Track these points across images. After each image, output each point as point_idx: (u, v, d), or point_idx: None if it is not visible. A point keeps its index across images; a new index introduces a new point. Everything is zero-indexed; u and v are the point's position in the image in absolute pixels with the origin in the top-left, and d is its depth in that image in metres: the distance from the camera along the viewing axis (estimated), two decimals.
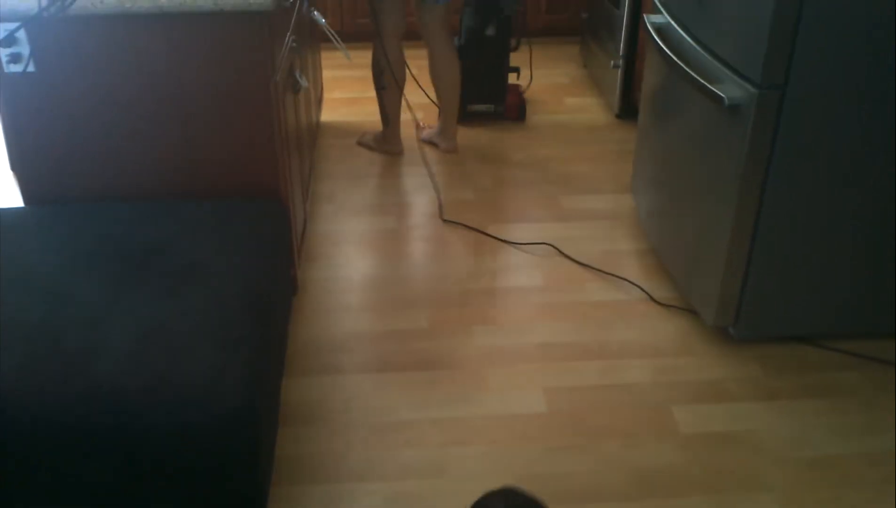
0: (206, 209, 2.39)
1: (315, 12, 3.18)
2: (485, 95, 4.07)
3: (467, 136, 3.99)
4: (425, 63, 3.72)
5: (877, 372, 2.54)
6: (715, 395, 2.46)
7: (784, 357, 2.61)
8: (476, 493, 2.10)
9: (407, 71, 3.70)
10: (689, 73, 2.54)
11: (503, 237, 3.20)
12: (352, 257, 3.10)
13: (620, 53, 3.99)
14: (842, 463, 2.22)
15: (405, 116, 3.80)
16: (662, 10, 2.87)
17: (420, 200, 3.50)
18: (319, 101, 3.92)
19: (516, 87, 4.21)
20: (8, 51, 2.19)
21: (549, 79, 4.62)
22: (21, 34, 2.17)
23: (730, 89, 2.37)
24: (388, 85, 3.60)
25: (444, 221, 3.31)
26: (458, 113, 3.81)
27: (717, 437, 2.30)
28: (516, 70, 4.14)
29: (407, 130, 3.85)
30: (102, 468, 1.72)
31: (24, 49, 2.20)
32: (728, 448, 2.27)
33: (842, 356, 2.60)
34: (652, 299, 2.87)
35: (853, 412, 2.40)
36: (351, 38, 4.03)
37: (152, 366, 1.77)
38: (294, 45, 2.72)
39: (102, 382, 1.72)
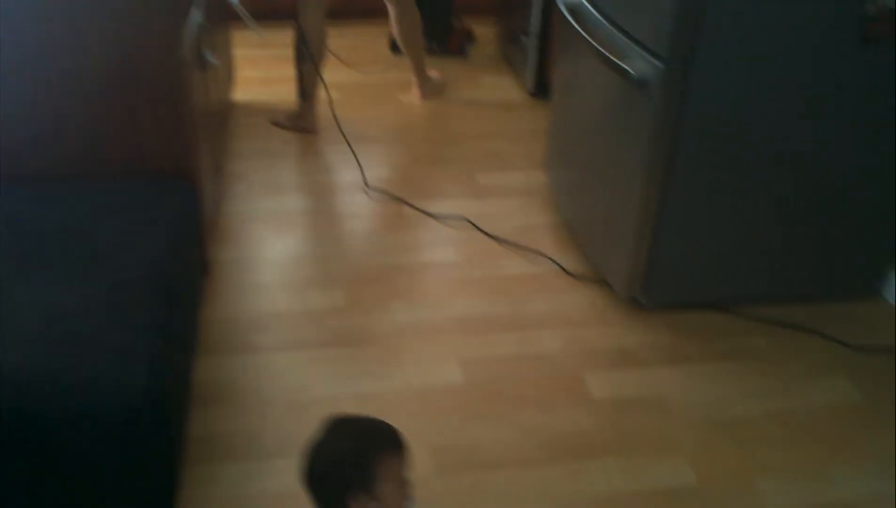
0: (111, 190, 2.34)
1: None
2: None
3: (381, 114, 3.99)
4: (346, 41, 3.70)
5: (782, 336, 2.63)
6: (626, 362, 2.51)
7: (693, 324, 2.68)
8: None
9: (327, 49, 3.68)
10: (598, 49, 2.58)
11: (422, 209, 3.20)
12: (266, 236, 3.07)
13: (533, 31, 4.02)
14: (748, 424, 2.29)
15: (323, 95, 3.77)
16: None
17: (335, 177, 3.49)
18: (231, 80, 3.86)
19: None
20: None
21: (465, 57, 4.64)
22: None
23: (637, 65, 2.41)
24: (308, 58, 3.57)
25: (367, 191, 3.31)
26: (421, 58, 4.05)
27: (629, 402, 2.36)
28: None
29: (323, 110, 3.82)
30: (5, 456, 1.67)
31: None
32: (639, 411, 2.32)
33: (748, 322, 2.68)
34: (565, 271, 2.91)
35: (760, 375, 2.48)
36: (264, 16, 3.98)
37: (55, 351, 1.73)
38: (201, 21, 2.67)
39: (3, 368, 1.67)
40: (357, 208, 3.26)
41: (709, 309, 2.73)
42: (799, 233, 2.61)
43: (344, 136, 3.62)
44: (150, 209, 2.27)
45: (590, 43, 2.63)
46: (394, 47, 4.48)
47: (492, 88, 4.34)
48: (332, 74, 4.01)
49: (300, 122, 3.78)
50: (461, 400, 2.36)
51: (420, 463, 2.12)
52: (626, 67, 2.42)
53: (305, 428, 2.18)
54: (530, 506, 2.03)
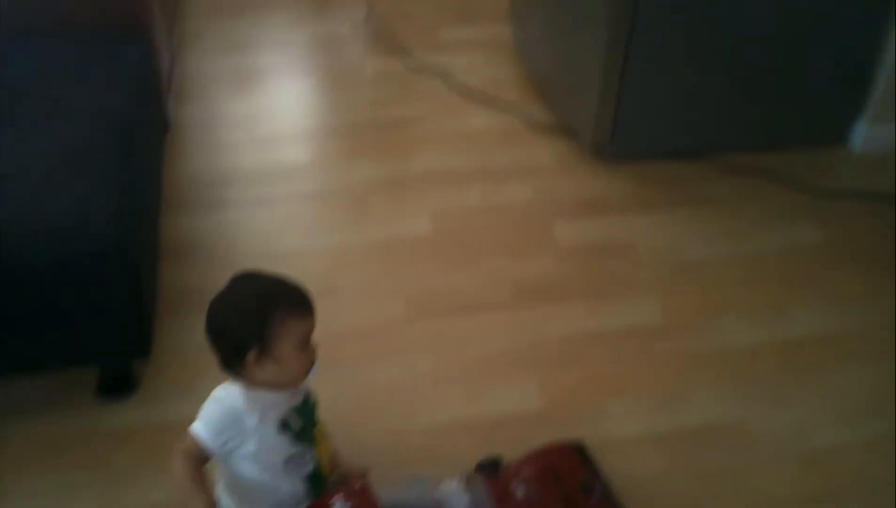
0: (65, 45, 2.26)
1: None
2: None
3: None
4: None
5: (746, 184, 2.66)
6: (593, 210, 2.54)
7: (658, 173, 2.70)
8: (368, 310, 2.17)
9: None
10: None
11: (387, 64, 3.15)
12: (227, 93, 3.01)
13: None
14: (710, 266, 2.35)
15: None
16: None
17: (295, 34, 3.40)
18: None
19: None
20: None
21: None
22: None
23: None
24: None
25: (329, 47, 3.24)
26: None
27: (596, 248, 2.40)
28: None
29: None
30: None
31: None
32: (606, 257, 2.37)
33: (713, 170, 2.71)
34: (532, 123, 2.90)
35: (722, 219, 2.52)
36: None
37: (18, 203, 1.70)
38: None
39: None
40: (319, 63, 3.20)
41: (673, 159, 2.75)
42: (764, 80, 2.61)
43: None
44: (104, 64, 2.21)
45: None
46: None
47: None
48: None
49: None
50: (431, 250, 2.38)
51: (392, 310, 2.17)
52: None
53: None
54: (502, 347, 2.08)
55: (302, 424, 1.49)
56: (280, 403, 1.46)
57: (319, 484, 1.53)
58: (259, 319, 1.39)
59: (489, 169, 2.70)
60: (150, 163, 2.22)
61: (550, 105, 2.96)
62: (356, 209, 2.53)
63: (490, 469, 1.69)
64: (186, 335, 2.06)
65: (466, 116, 2.95)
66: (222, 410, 1.42)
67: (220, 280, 2.23)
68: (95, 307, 1.74)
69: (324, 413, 1.59)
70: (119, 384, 1.92)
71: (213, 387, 1.89)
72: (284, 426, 1.46)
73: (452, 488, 1.57)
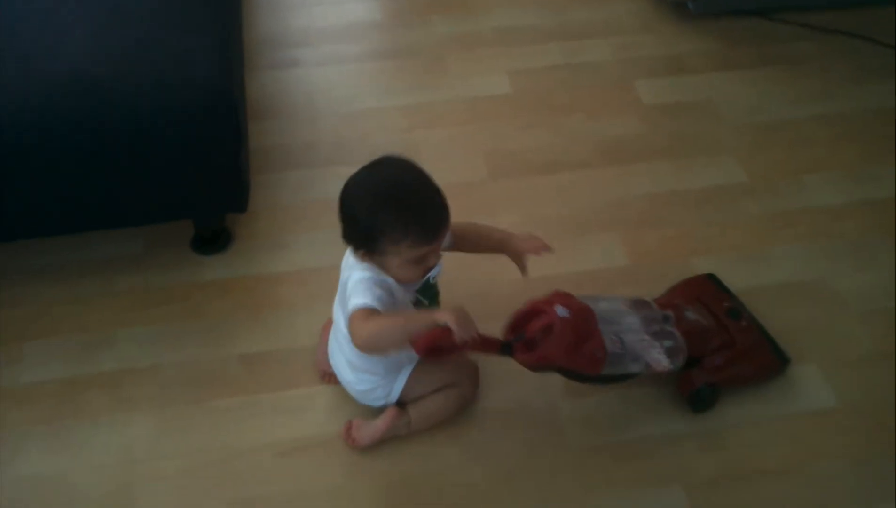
0: None
1: None
2: None
3: None
4: None
5: (829, 42, 2.58)
6: (675, 68, 2.49)
7: (741, 31, 2.63)
8: (449, 171, 2.16)
9: None
10: None
11: None
12: None
13: None
14: (796, 126, 2.31)
15: None
16: None
17: None
18: None
19: None
20: None
21: None
22: None
23: None
24: None
25: None
26: None
27: (678, 106, 2.37)
28: None
29: None
30: (85, 162, 1.70)
31: None
32: (689, 116, 2.34)
33: (796, 28, 2.62)
34: None
35: (808, 79, 2.46)
36: None
37: (121, 52, 1.70)
38: None
39: (74, 76, 1.65)
40: None
41: (757, 16, 2.66)
42: None
43: None
44: None
45: None
46: None
47: None
48: None
49: None
50: (510, 109, 2.36)
51: (473, 169, 2.18)
52: None
53: (359, 137, 2.25)
54: (584, 205, 2.09)
55: (430, 297, 1.55)
56: (404, 285, 1.47)
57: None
58: (371, 228, 1.38)
59: (567, 26, 2.64)
60: (235, 21, 2.20)
61: None
62: (434, 68, 2.50)
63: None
64: (275, 191, 2.10)
65: None
66: (375, 282, 1.41)
67: (302, 139, 2.28)
68: (198, 159, 1.76)
69: None
70: (215, 238, 1.97)
71: (304, 242, 1.97)
72: (418, 302, 1.52)
73: (630, 308, 1.61)
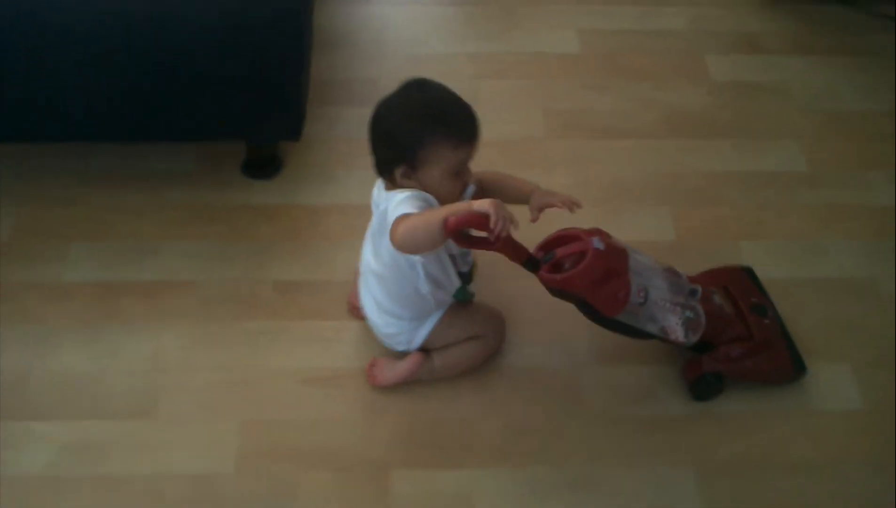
0: None
1: None
2: None
3: None
4: None
5: None
6: (749, 46, 2.43)
7: (822, 15, 2.54)
8: (508, 122, 2.16)
9: None
10: None
11: None
12: None
13: None
14: (866, 118, 2.24)
15: None
16: None
17: None
18: None
19: None
20: None
21: None
22: None
23: None
24: None
25: None
26: None
27: (748, 86, 2.31)
28: None
29: None
30: (140, 63, 1.70)
31: None
32: (758, 96, 2.28)
33: (879, 19, 2.53)
34: None
35: (884, 71, 2.37)
36: None
37: None
38: None
39: None
40: None
41: (840, 2, 2.57)
42: None
43: None
44: None
45: None
46: None
47: None
48: None
49: None
50: (577, 68, 2.33)
51: (531, 124, 2.17)
52: None
53: None
54: (640, 174, 2.06)
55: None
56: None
57: (466, 293, 1.61)
58: (414, 138, 1.37)
59: None
60: None
61: None
62: (504, 18, 2.47)
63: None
64: (331, 124, 2.11)
65: None
66: (418, 197, 1.38)
67: (364, 75, 2.28)
68: (257, 78, 1.76)
69: None
70: (266, 163, 1.99)
71: (355, 178, 1.97)
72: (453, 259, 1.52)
73: (658, 270, 1.57)
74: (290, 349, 1.69)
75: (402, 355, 1.64)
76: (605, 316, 1.49)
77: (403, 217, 1.34)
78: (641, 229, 1.93)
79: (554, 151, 2.10)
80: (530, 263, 1.45)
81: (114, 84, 1.73)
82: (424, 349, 1.63)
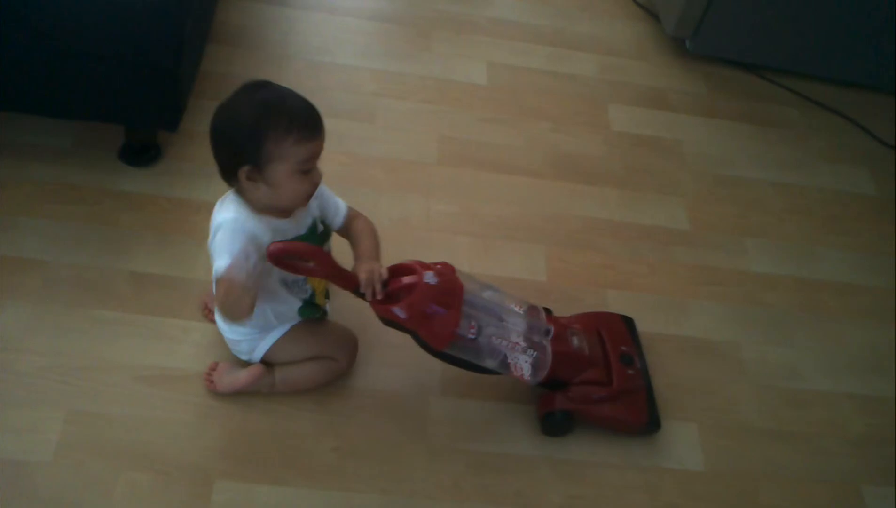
0: None
1: None
2: None
3: None
4: None
5: (814, 113, 2.56)
6: (654, 101, 2.46)
7: (731, 80, 2.60)
8: (402, 143, 2.14)
9: None
10: None
11: None
12: None
13: None
14: (754, 187, 2.28)
15: None
16: None
17: None
18: None
19: None
20: None
21: None
22: None
23: None
24: None
25: None
26: None
27: (646, 140, 2.33)
28: None
29: None
30: (21, 32, 1.65)
31: None
32: (653, 151, 2.30)
33: (786, 92, 2.60)
34: None
35: (782, 145, 2.43)
36: None
37: None
38: None
39: None
40: None
41: (750, 71, 2.63)
42: (859, 14, 2.44)
43: None
44: None
45: None
46: None
47: None
48: None
49: None
50: (480, 100, 2.33)
51: (423, 149, 2.15)
52: None
53: (320, 88, 2.21)
54: (521, 211, 2.06)
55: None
56: (285, 230, 1.42)
57: (314, 310, 1.56)
58: (254, 134, 1.31)
59: (562, 33, 2.61)
60: None
61: None
62: (418, 41, 2.46)
63: (545, 311, 1.70)
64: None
65: None
66: (238, 234, 1.35)
67: (261, 75, 2.20)
68: (135, 59, 1.70)
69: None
70: (143, 151, 1.94)
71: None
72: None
73: (516, 309, 1.60)
74: (133, 343, 1.63)
75: (247, 363, 1.60)
76: (434, 349, 1.49)
77: (223, 280, 1.30)
78: (514, 266, 1.93)
79: (441, 179, 2.09)
80: (360, 291, 1.44)
81: None
82: (268, 363, 1.59)
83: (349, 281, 1.43)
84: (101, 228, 1.80)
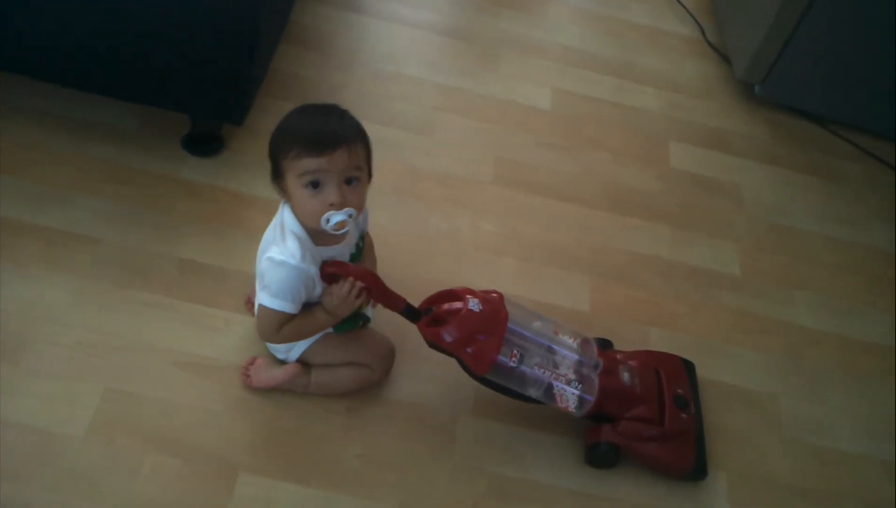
0: None
1: None
2: None
3: None
4: None
5: (879, 173, 2.51)
6: (716, 143, 2.44)
7: (796, 130, 2.57)
8: (457, 159, 2.16)
9: None
10: None
11: None
12: None
13: None
14: (809, 240, 2.24)
15: None
16: None
17: None
18: None
19: None
20: None
21: None
22: None
23: None
24: None
25: None
26: None
27: (703, 180, 2.31)
28: None
29: None
30: (96, 27, 1.70)
31: None
32: (709, 192, 2.28)
33: (850, 147, 2.56)
34: (692, 36, 2.77)
35: (840, 200, 2.39)
36: None
37: None
38: None
39: None
40: None
41: (816, 121, 2.60)
42: None
43: None
44: None
45: None
46: None
47: None
48: None
49: None
50: (541, 124, 2.33)
51: (478, 167, 2.16)
52: None
53: (384, 99, 2.23)
54: (569, 240, 2.05)
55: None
56: (333, 255, 1.46)
57: (353, 321, 1.58)
58: (272, 146, 1.41)
59: (629, 66, 2.60)
60: None
61: (720, 24, 2.80)
62: (486, 60, 2.48)
63: (603, 344, 1.74)
64: (280, 118, 2.08)
65: (627, 5, 2.83)
66: (287, 274, 1.40)
67: (328, 79, 2.27)
68: (207, 51, 1.74)
69: (381, 238, 1.63)
70: (207, 141, 1.97)
71: None
72: None
73: (568, 341, 1.62)
74: (174, 328, 1.66)
75: (284, 362, 1.62)
76: (476, 374, 1.53)
77: (276, 320, 1.45)
78: (556, 294, 1.92)
79: (492, 198, 2.09)
80: (409, 311, 1.50)
81: (66, 22, 1.70)
82: (305, 363, 1.60)
83: (396, 303, 1.48)
84: (156, 212, 1.84)
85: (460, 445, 1.64)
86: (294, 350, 1.58)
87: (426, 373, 1.70)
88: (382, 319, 1.67)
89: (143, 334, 1.64)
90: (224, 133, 1.99)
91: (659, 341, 1.89)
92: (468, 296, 1.49)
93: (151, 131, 1.98)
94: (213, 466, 1.51)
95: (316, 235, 1.42)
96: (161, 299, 1.70)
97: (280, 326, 1.45)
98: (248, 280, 1.73)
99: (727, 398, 1.83)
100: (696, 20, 2.84)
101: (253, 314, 1.67)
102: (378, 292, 1.46)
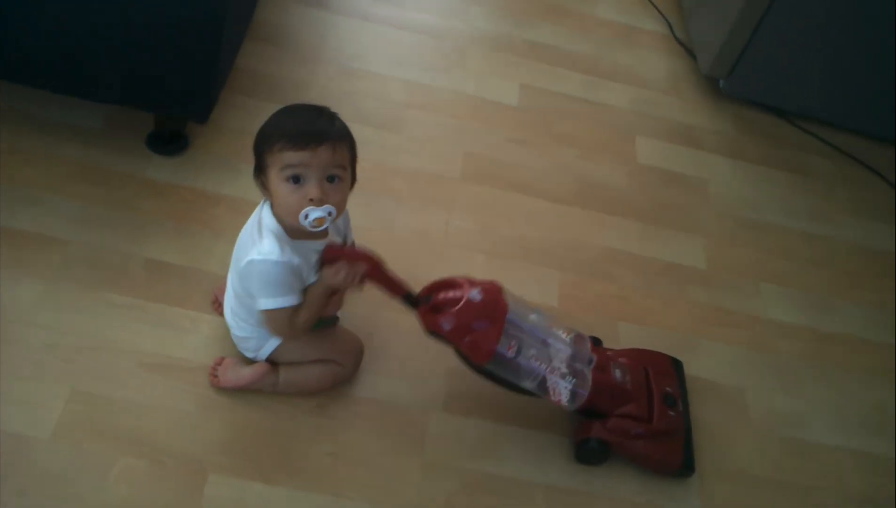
0: None
1: None
2: None
3: None
4: None
5: (847, 166, 2.54)
6: (683, 138, 2.45)
7: (762, 124, 2.59)
8: (427, 156, 2.15)
9: None
10: None
11: None
12: None
13: None
14: (777, 234, 2.27)
15: None
16: None
17: None
18: None
19: None
20: None
21: None
22: None
23: None
24: None
25: None
26: None
27: (671, 176, 2.33)
28: None
29: None
30: (57, 24, 1.67)
31: None
32: (677, 187, 2.30)
33: (815, 141, 2.59)
34: (659, 32, 2.78)
35: (809, 194, 2.42)
36: None
37: None
38: None
39: None
40: None
41: (782, 116, 2.62)
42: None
43: None
44: None
45: None
46: None
47: None
48: None
49: None
50: (509, 120, 2.33)
51: (447, 163, 2.16)
52: None
53: (349, 94, 2.23)
54: (539, 235, 2.06)
55: None
56: (315, 249, 1.45)
57: (326, 321, 1.58)
58: (259, 142, 1.40)
59: (598, 62, 2.61)
60: None
61: (686, 20, 2.82)
62: (452, 56, 2.48)
63: (593, 341, 1.74)
64: (247, 116, 2.06)
65: (598, 3, 2.84)
66: (273, 269, 1.39)
67: (293, 75, 2.26)
68: (172, 47, 1.72)
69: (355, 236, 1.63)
70: (171, 140, 1.95)
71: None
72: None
73: (562, 336, 1.62)
74: (142, 329, 1.64)
75: (252, 361, 1.61)
76: (473, 363, 1.53)
77: (285, 319, 1.44)
78: (527, 288, 1.87)
79: (462, 195, 2.09)
80: (408, 298, 1.51)
81: (27, 24, 1.68)
82: (273, 362, 1.59)
83: (398, 288, 1.50)
84: (123, 212, 1.81)
85: (432, 441, 1.63)
86: (263, 349, 1.57)
87: (395, 370, 1.70)
88: (350, 315, 1.66)
89: (111, 334, 1.62)
90: (188, 131, 1.98)
91: (628, 335, 1.89)
92: (468, 285, 1.50)
93: (117, 130, 1.96)
94: (182, 467, 1.49)
95: (293, 232, 1.41)
96: (128, 300, 1.67)
97: (292, 320, 1.44)
98: (215, 279, 1.72)
99: (698, 391, 1.84)
100: (663, 16, 2.86)
101: (220, 314, 1.66)
102: (380, 274, 1.47)
